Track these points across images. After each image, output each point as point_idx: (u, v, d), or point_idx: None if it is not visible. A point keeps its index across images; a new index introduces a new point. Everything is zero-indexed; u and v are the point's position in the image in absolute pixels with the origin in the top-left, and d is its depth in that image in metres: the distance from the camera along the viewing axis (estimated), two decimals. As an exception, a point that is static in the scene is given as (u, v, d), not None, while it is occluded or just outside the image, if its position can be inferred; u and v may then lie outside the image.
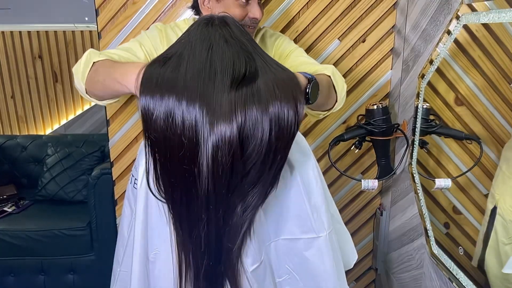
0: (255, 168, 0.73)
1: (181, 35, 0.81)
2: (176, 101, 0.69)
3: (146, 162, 0.76)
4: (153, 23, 1.59)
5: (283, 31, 1.64)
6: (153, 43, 1.14)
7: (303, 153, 1.02)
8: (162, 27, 1.18)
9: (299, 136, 0.97)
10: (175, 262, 0.85)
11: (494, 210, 1.01)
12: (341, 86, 1.08)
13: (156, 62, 0.76)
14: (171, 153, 0.72)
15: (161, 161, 0.74)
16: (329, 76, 1.05)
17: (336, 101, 1.07)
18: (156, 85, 0.71)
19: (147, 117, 0.71)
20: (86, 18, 2.80)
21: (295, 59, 1.18)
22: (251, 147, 0.71)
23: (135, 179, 0.96)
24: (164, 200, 0.79)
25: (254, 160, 0.72)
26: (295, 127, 0.73)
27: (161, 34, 1.16)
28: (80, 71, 0.97)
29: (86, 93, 1.00)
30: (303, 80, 0.82)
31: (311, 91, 0.83)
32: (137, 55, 1.10)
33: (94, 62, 0.96)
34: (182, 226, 0.80)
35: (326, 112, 1.10)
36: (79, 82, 0.99)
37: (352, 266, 1.24)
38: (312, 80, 0.84)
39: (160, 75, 0.72)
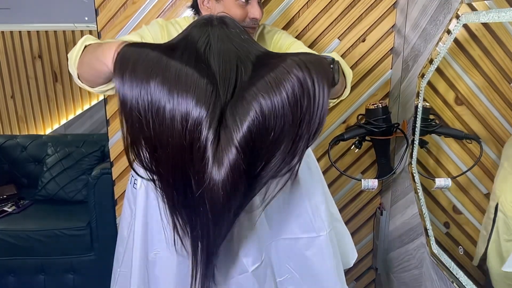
0: (274, 164, 0.70)
1: (179, 34, 0.81)
2: (164, 88, 0.64)
3: (123, 139, 0.70)
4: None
5: (283, 30, 1.64)
6: (154, 37, 1.12)
7: None
8: (163, 23, 1.17)
9: None
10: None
11: (496, 207, 1.01)
12: (348, 72, 1.08)
13: (143, 43, 0.72)
14: (160, 142, 0.67)
15: (149, 147, 0.69)
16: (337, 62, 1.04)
17: (345, 87, 1.07)
18: (137, 64, 0.66)
19: (123, 100, 0.65)
20: (86, 18, 2.80)
21: (295, 51, 1.17)
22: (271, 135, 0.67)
23: (135, 179, 0.96)
24: (147, 178, 0.74)
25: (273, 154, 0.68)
26: (327, 92, 0.67)
27: (162, 30, 1.15)
28: (74, 55, 0.95)
29: (78, 78, 0.97)
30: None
31: (334, 70, 0.80)
32: None
33: (86, 46, 0.94)
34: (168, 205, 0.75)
35: (335, 100, 1.10)
36: (71, 66, 0.96)
37: (352, 265, 1.24)
38: (334, 60, 0.80)
39: (144, 54, 0.67)
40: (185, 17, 1.21)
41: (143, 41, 1.09)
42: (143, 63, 0.66)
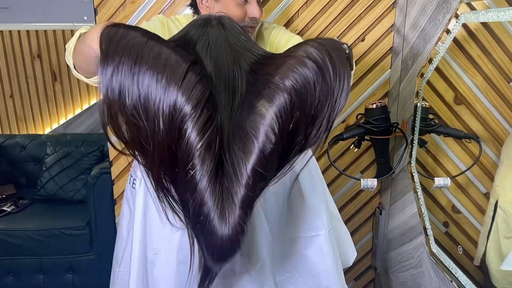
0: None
1: (177, 33, 0.80)
2: (150, 73, 0.58)
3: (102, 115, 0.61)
4: (152, 22, 1.59)
5: (282, 30, 1.64)
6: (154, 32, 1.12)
7: None
8: (164, 20, 1.17)
9: None
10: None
11: (496, 204, 1.01)
12: (352, 63, 1.06)
13: (132, 25, 0.67)
14: (146, 113, 0.60)
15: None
16: None
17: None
18: (124, 40, 0.60)
19: (104, 67, 0.59)
20: (85, 17, 2.80)
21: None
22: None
23: (134, 179, 0.95)
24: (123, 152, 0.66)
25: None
26: (348, 72, 0.62)
27: (163, 27, 1.15)
28: (70, 45, 0.93)
29: (74, 68, 0.94)
30: None
31: (349, 55, 0.74)
32: None
33: (81, 34, 0.91)
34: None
35: None
36: (67, 56, 0.95)
37: (351, 264, 1.24)
38: (348, 45, 0.76)
39: (132, 35, 0.62)
40: (185, 15, 1.21)
41: None
42: (131, 41, 0.60)
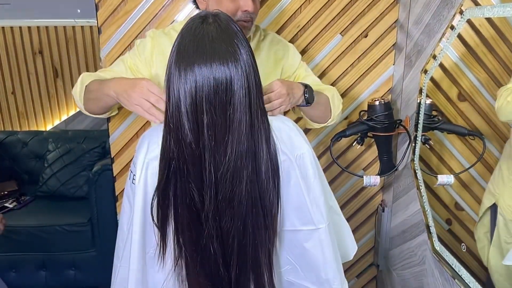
0: None
1: (176, 37, 0.82)
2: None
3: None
4: (153, 18, 1.59)
5: (284, 26, 1.63)
6: (145, 59, 1.23)
7: (299, 146, 1.01)
8: (155, 35, 1.25)
9: (295, 129, 0.97)
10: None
11: (492, 207, 1.01)
12: (337, 107, 1.30)
13: None
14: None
15: None
16: (328, 98, 1.27)
17: (330, 118, 1.29)
18: None
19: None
20: (78, 11, 2.78)
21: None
22: None
23: (134, 175, 0.95)
24: None
25: None
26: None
27: (153, 42, 1.23)
28: (77, 93, 1.19)
29: (85, 110, 1.23)
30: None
31: (308, 92, 1.11)
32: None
33: (86, 85, 1.17)
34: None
35: (323, 124, 1.32)
36: (78, 102, 1.21)
37: (352, 258, 1.24)
38: (308, 85, 1.11)
39: None
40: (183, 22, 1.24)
41: (127, 70, 1.24)
42: None
